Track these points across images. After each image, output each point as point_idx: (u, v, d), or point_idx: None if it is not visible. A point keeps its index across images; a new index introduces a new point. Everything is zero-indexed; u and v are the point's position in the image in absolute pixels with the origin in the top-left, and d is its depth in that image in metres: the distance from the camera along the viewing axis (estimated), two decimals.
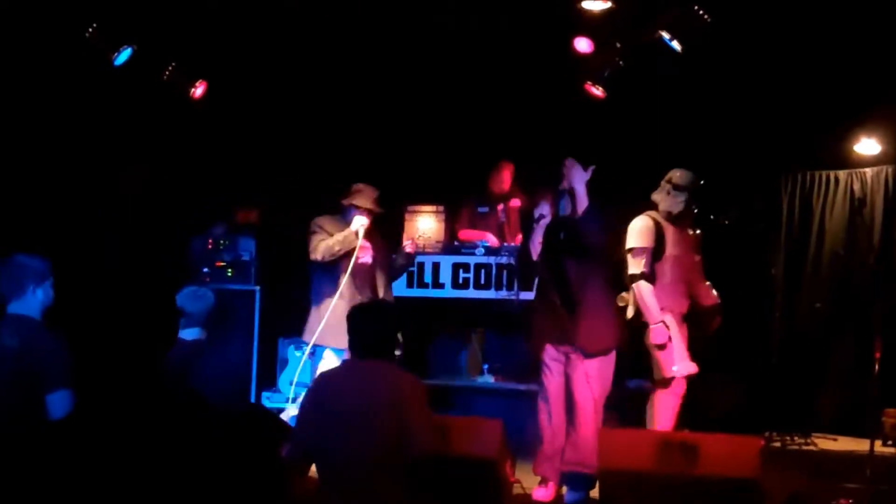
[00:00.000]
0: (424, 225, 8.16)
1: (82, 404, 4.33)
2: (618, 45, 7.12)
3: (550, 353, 5.75)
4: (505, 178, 8.03)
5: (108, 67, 6.84)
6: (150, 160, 7.79)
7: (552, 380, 5.75)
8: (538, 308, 5.88)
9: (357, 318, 4.38)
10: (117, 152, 7.54)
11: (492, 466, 5.12)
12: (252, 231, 8.25)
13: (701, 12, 6.49)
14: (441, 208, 8.15)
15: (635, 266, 6.01)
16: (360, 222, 6.46)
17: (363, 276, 6.54)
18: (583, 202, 5.62)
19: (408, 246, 6.96)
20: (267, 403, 7.59)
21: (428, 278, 7.94)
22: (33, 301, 4.47)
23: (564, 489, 5.71)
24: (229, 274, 8.04)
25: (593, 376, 5.63)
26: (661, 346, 5.93)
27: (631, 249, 6.03)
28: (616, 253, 6.02)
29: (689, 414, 6.52)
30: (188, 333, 5.35)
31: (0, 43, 6.38)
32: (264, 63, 7.71)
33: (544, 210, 5.78)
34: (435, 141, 8.25)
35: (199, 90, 7.56)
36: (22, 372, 4.29)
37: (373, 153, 8.23)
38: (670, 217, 6.09)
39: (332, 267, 6.48)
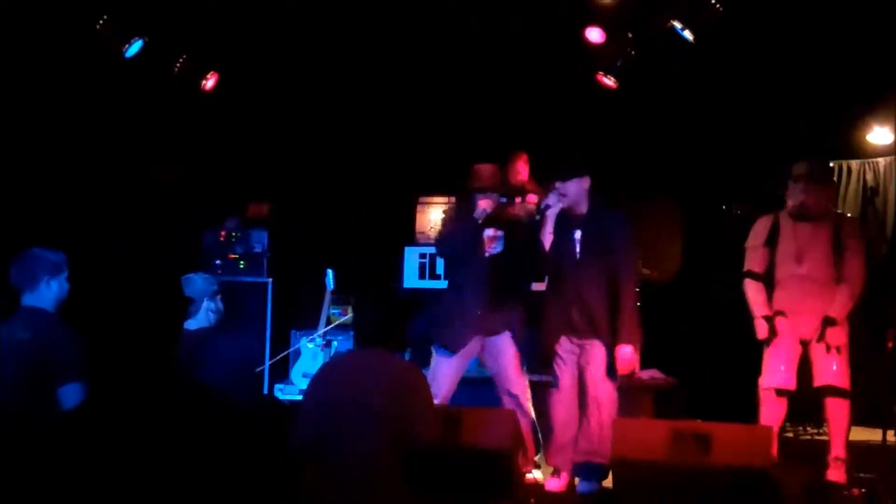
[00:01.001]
0: (436, 216, 8.16)
1: (92, 398, 4.34)
2: (630, 35, 7.10)
3: (564, 345, 5.75)
4: (520, 168, 7.98)
5: (119, 60, 6.85)
6: (161, 154, 7.81)
7: (565, 371, 5.75)
8: (551, 299, 5.86)
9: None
10: (128, 146, 7.55)
11: (505, 457, 5.13)
12: (264, 224, 8.26)
13: (713, 1, 6.47)
14: (453, 199, 8.14)
15: (746, 264, 6.04)
16: (481, 209, 5.81)
17: (493, 269, 5.88)
18: (580, 205, 5.67)
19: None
20: (279, 395, 7.61)
21: (440, 270, 7.95)
22: (47, 294, 4.48)
23: (577, 480, 5.71)
24: (241, 266, 8.07)
25: (608, 367, 5.63)
26: (765, 343, 5.91)
27: (745, 248, 6.08)
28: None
29: (702, 404, 6.53)
30: (191, 324, 5.39)
31: (8, 35, 6.37)
32: (276, 55, 7.71)
33: (550, 201, 5.76)
34: (447, 132, 8.24)
35: (210, 82, 7.57)
36: (35, 364, 4.30)
37: (385, 145, 8.24)
38: (794, 211, 5.93)
39: (456, 258, 6.01)
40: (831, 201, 6.00)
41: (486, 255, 5.89)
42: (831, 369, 5.78)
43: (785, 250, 5.94)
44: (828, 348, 5.77)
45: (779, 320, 5.95)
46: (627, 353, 5.58)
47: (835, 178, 7.96)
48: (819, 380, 5.83)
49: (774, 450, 5.92)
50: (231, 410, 4.47)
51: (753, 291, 5.98)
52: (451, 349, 5.90)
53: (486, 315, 5.88)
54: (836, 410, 5.81)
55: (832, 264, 5.85)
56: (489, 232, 5.90)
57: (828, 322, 5.79)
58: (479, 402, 6.06)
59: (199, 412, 4.27)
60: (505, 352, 5.92)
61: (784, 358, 5.90)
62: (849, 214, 6.11)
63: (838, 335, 5.80)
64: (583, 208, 5.73)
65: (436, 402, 5.75)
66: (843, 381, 5.80)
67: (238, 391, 5.09)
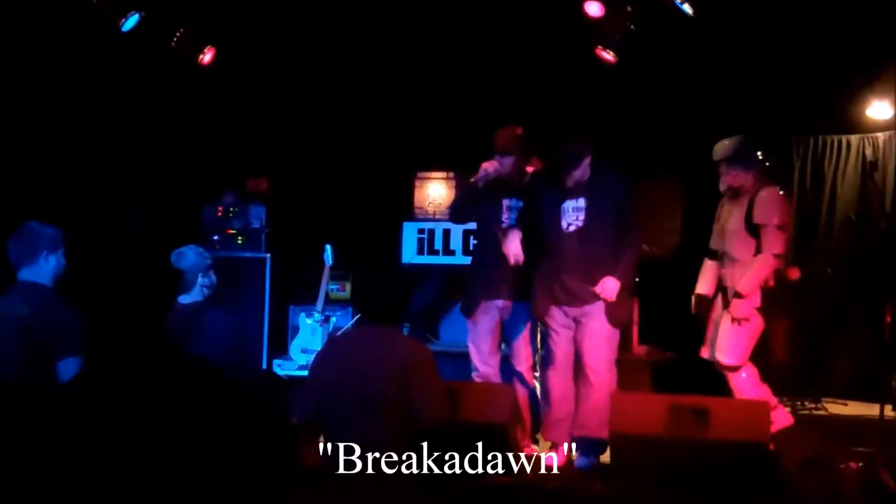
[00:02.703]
0: (435, 191, 8.17)
1: (88, 371, 4.34)
2: (629, 8, 7.06)
3: (558, 319, 5.71)
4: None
5: (116, 33, 6.81)
6: (160, 128, 7.78)
7: (560, 346, 5.72)
8: (540, 269, 5.76)
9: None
10: (126, 120, 7.52)
11: (503, 431, 5.15)
12: (263, 199, 8.26)
13: None
14: (451, 174, 8.14)
15: None
16: (482, 171, 5.67)
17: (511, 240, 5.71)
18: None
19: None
20: (278, 371, 7.62)
21: (438, 245, 7.96)
22: (45, 268, 4.47)
23: (575, 454, 5.72)
24: (240, 242, 8.07)
25: (603, 341, 5.62)
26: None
27: None
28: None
29: (700, 378, 6.53)
30: (184, 298, 5.38)
31: None
32: (274, 28, 7.66)
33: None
34: (444, 107, 8.21)
35: (207, 56, 7.53)
36: (34, 339, 4.29)
37: (382, 119, 8.22)
38: (725, 192, 6.00)
39: (478, 226, 6.02)
40: (750, 178, 5.83)
41: (503, 224, 5.81)
42: (724, 343, 5.79)
43: (717, 229, 6.03)
44: (731, 320, 5.76)
45: (718, 298, 5.97)
46: (612, 283, 5.53)
47: (833, 153, 7.99)
48: (715, 351, 5.86)
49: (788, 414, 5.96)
50: (225, 383, 4.48)
51: (703, 268, 6.11)
52: (464, 314, 5.96)
53: (497, 283, 5.83)
54: (733, 382, 5.81)
55: (749, 240, 5.81)
56: (506, 202, 5.83)
57: (734, 295, 5.77)
58: (459, 376, 6.07)
59: (193, 385, 4.27)
60: (512, 321, 5.89)
61: (718, 327, 5.92)
62: (771, 188, 5.86)
63: (740, 308, 5.74)
64: (581, 176, 5.68)
65: (480, 366, 5.85)
66: (732, 357, 5.78)
67: (231, 364, 5.09)
